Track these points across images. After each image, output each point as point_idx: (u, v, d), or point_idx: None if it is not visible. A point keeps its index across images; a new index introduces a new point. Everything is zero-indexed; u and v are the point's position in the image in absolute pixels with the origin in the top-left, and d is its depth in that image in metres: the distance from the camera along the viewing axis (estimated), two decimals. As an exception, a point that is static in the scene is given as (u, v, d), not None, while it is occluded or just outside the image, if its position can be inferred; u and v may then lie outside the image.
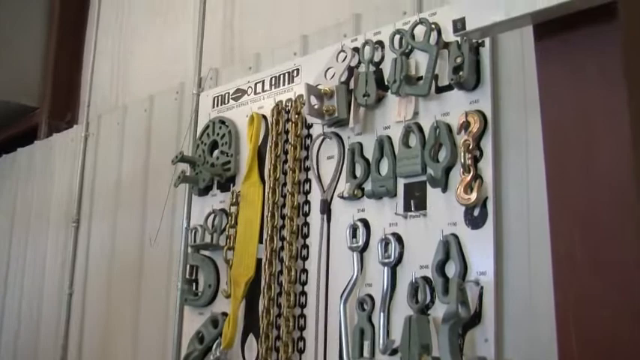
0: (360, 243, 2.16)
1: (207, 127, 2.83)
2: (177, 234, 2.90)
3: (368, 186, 2.18)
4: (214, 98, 2.89)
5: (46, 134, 4.30)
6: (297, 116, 2.47)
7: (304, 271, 2.35)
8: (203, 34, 3.06)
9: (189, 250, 2.78)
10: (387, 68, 2.20)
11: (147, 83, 3.61)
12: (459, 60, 1.96)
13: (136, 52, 3.86)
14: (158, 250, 3.02)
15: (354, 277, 2.15)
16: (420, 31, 2.12)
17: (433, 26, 2.09)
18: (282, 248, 2.42)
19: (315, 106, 2.30)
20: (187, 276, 2.75)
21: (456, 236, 1.93)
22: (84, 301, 3.53)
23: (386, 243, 2.09)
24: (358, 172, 2.23)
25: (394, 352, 1.99)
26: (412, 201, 2.05)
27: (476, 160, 1.93)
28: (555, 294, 1.58)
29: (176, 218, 2.97)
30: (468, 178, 1.90)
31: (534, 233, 1.80)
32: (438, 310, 1.91)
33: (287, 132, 2.50)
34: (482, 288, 1.84)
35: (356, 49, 2.32)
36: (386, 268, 2.07)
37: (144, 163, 3.32)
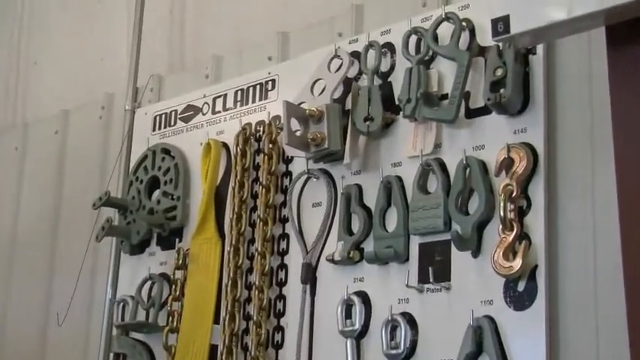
0: (357, 326, 2.15)
1: (144, 157, 2.83)
2: (98, 309, 2.87)
3: (369, 246, 2.18)
4: (156, 117, 2.90)
5: None
6: (271, 146, 2.47)
7: (277, 364, 2.34)
8: (141, 29, 3.07)
9: (115, 331, 2.75)
10: (398, 82, 2.21)
11: (59, 94, 3.60)
12: (499, 72, 1.97)
13: (43, 50, 3.85)
14: (69, 332, 2.98)
15: (348, 374, 2.14)
16: (445, 30, 2.14)
17: (464, 24, 2.11)
18: (246, 331, 2.40)
19: (298, 133, 2.30)
20: (111, 369, 2.72)
21: (492, 320, 1.92)
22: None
23: (393, 327, 2.08)
24: (355, 226, 2.23)
25: None
26: (430, 268, 2.05)
27: (521, 214, 1.93)
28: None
29: (97, 286, 2.95)
30: (510, 238, 1.90)
31: (604, 317, 1.79)
32: None
33: (257, 167, 2.50)
34: (529, 394, 1.84)
35: (355, 54, 2.34)
36: (393, 362, 2.06)
37: (52, 206, 3.30)
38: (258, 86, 2.60)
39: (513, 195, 1.91)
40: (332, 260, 2.23)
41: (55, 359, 3.10)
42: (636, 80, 1.63)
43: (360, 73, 2.31)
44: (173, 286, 2.60)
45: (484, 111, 2.04)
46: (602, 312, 1.80)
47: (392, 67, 2.27)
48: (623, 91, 1.65)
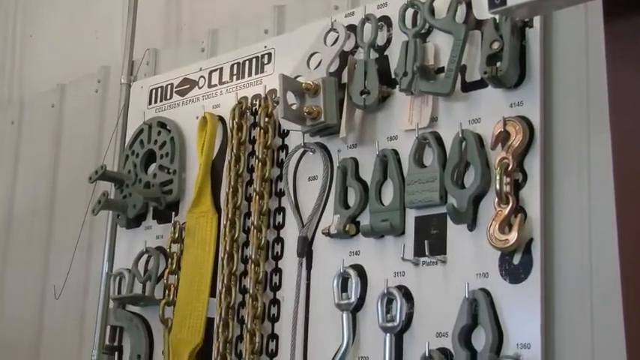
0: (353, 299, 2.15)
1: (140, 131, 2.82)
2: (95, 282, 2.88)
3: (365, 220, 2.18)
4: (152, 91, 2.89)
5: None
6: (267, 120, 2.47)
7: (273, 337, 2.34)
8: (137, 2, 3.05)
9: (111, 304, 2.75)
10: (394, 55, 2.20)
11: (55, 68, 3.60)
12: (496, 45, 1.97)
13: (39, 24, 3.84)
14: (66, 305, 2.99)
15: (344, 346, 2.13)
16: (442, 3, 2.13)
17: (461, -3, 2.11)
18: (242, 304, 2.41)
19: (294, 107, 2.29)
20: (107, 342, 2.73)
21: (487, 292, 1.92)
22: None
23: (389, 300, 2.08)
24: (351, 199, 2.23)
25: None
26: (426, 242, 2.05)
27: (517, 187, 1.93)
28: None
29: (93, 259, 2.95)
30: (506, 211, 1.90)
31: (599, 290, 1.80)
32: (462, 397, 1.91)
33: (253, 141, 2.50)
34: (524, 366, 1.84)
35: (352, 28, 2.33)
36: (388, 335, 2.06)
37: (49, 180, 3.30)
38: (254, 60, 2.60)
39: (509, 168, 1.91)
40: (328, 234, 2.23)
41: (53, 332, 3.11)
42: (633, 52, 1.62)
43: (357, 46, 2.31)
44: (169, 260, 2.60)
45: (480, 84, 2.04)
46: (597, 285, 1.81)
47: (388, 41, 2.26)
48: (619, 63, 1.64)
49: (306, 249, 2.31)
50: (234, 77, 2.64)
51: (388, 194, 2.15)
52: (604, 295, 1.78)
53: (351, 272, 2.17)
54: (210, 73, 2.72)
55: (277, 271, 2.38)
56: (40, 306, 3.17)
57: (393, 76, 2.19)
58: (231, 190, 2.48)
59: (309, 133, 2.33)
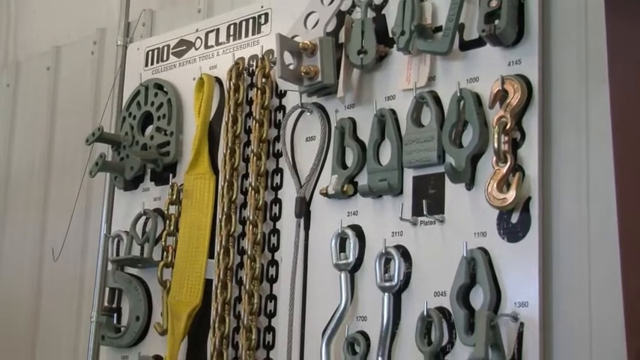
0: (351, 259, 2.16)
1: (137, 93, 2.82)
2: (93, 244, 2.88)
3: (363, 180, 2.18)
4: (148, 52, 2.88)
5: None
6: (264, 80, 2.46)
7: (272, 297, 2.35)
8: (132, -38, 3.05)
9: (110, 266, 2.76)
10: (391, 14, 2.19)
11: (50, 30, 3.58)
12: (494, 4, 1.96)
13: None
14: (64, 267, 3.00)
15: (342, 306, 2.15)
16: (439, -38, 2.12)
17: (458, -44, 2.09)
18: (241, 266, 2.41)
19: (291, 67, 2.29)
20: (106, 304, 2.74)
21: (485, 251, 1.93)
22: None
23: (387, 260, 2.09)
24: (349, 159, 2.23)
25: (397, 413, 2.00)
26: (424, 201, 2.05)
27: (515, 146, 1.93)
28: (627, 336, 1.57)
29: (91, 222, 2.96)
30: (504, 170, 1.90)
31: (597, 249, 1.80)
32: (459, 355, 1.91)
33: (250, 102, 2.49)
34: (522, 325, 1.84)
35: (349, -13, 2.32)
36: (387, 294, 2.06)
37: (46, 143, 3.30)
38: (250, 20, 2.58)
39: (507, 127, 1.91)
40: (326, 194, 2.24)
41: (52, 294, 3.12)
42: (632, 10, 1.62)
43: (354, 5, 2.29)
44: (167, 222, 2.61)
45: (478, 43, 2.04)
46: (595, 242, 1.81)
47: (385, 0, 2.25)
48: (618, 20, 1.64)
49: (304, 210, 2.31)
50: (231, 38, 2.63)
51: (386, 154, 2.15)
52: (602, 252, 1.79)
53: (349, 232, 2.17)
54: (206, 34, 2.71)
55: (275, 232, 2.38)
56: (38, 268, 3.18)
57: (390, 36, 2.18)
58: (228, 151, 2.48)
59: (306, 93, 2.33)
